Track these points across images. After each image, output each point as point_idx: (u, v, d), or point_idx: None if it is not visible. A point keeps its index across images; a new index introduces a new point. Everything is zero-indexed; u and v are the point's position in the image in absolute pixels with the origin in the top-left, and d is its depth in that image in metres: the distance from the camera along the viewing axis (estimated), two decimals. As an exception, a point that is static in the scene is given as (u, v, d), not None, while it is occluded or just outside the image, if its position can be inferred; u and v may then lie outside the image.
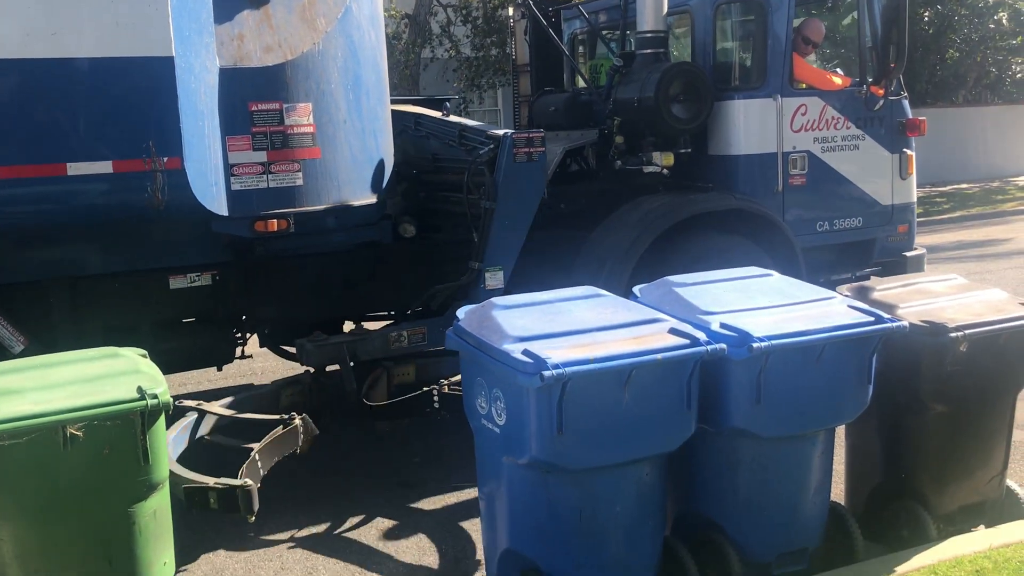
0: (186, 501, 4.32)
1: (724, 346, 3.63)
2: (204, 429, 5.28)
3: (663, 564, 3.90)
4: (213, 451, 5.23)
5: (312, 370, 6.12)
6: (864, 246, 7.14)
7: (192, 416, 5.19)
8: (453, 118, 7.02)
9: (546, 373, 3.30)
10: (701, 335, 3.65)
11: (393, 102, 6.65)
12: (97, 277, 5.31)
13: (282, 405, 5.78)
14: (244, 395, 5.77)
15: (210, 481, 4.33)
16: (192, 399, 5.43)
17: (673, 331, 3.70)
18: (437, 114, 7.19)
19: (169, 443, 4.28)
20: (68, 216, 4.83)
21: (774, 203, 6.62)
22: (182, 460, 4.77)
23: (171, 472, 4.08)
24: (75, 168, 4.65)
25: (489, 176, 5.92)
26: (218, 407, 5.08)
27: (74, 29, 4.57)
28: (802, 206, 6.79)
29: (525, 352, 3.48)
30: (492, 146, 5.97)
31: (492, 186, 5.87)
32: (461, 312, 4.12)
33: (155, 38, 4.73)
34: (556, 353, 3.44)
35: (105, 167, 4.71)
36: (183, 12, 4.85)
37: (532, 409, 3.47)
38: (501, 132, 6.06)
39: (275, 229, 5.42)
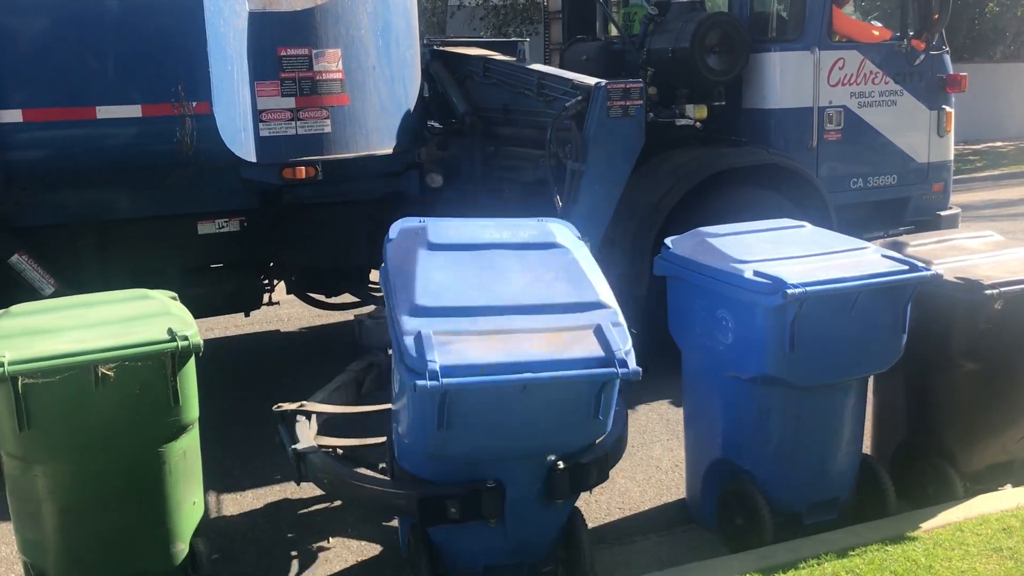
0: None
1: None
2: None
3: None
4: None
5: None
6: (898, 204, 7.03)
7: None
8: (532, 65, 6.40)
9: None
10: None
11: (457, 44, 6.54)
12: (126, 221, 5.33)
13: (364, 391, 5.05)
14: (330, 391, 4.79)
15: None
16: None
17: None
18: (509, 60, 6.66)
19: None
20: (97, 160, 4.84)
21: (808, 159, 6.51)
22: None
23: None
24: (104, 111, 4.65)
25: (577, 133, 5.40)
26: (319, 407, 4.62)
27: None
28: (836, 162, 6.68)
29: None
30: (580, 97, 5.42)
31: (581, 144, 5.34)
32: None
33: None
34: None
35: (134, 111, 4.71)
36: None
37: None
38: (592, 82, 5.48)
39: (303, 176, 5.41)
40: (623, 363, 3.15)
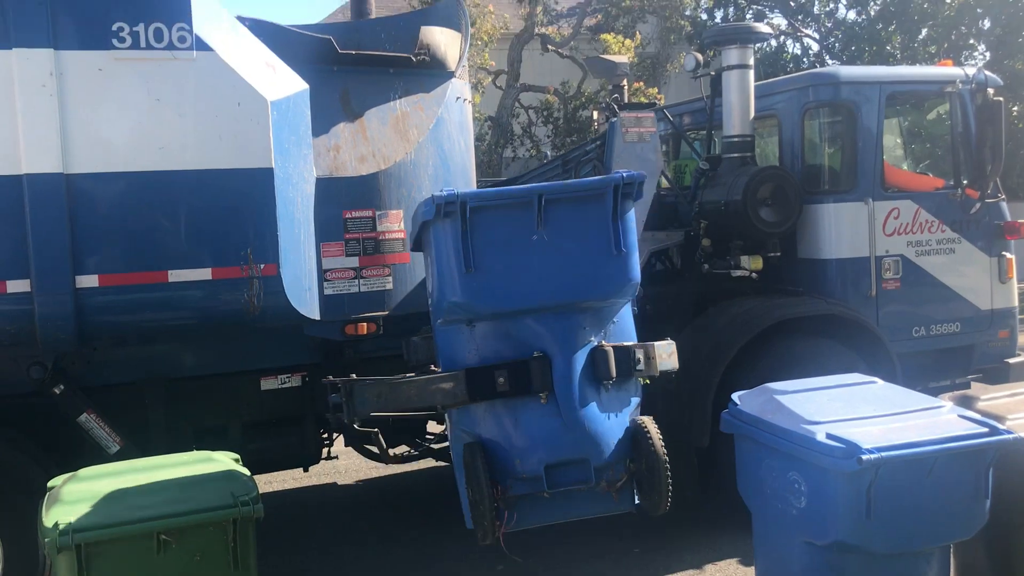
0: None
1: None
2: None
3: None
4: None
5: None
6: (963, 352, 6.89)
7: None
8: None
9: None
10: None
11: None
12: (191, 379, 5.43)
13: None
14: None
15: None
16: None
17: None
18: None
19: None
20: (167, 321, 4.96)
21: (868, 308, 6.46)
22: None
23: None
24: (176, 275, 4.80)
25: (600, 165, 5.77)
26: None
27: (180, 143, 4.78)
28: (897, 311, 6.61)
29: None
30: (599, 143, 5.87)
31: (604, 170, 5.66)
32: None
33: (256, 150, 4.91)
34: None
35: (204, 274, 4.85)
36: (283, 125, 5.04)
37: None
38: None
39: (365, 332, 5.49)
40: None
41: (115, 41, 4.64)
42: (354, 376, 4.40)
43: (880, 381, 4.38)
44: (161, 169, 4.74)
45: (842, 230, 6.51)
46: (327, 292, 5.41)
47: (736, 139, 6.69)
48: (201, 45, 4.75)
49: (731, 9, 23.24)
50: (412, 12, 8.34)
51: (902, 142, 7.74)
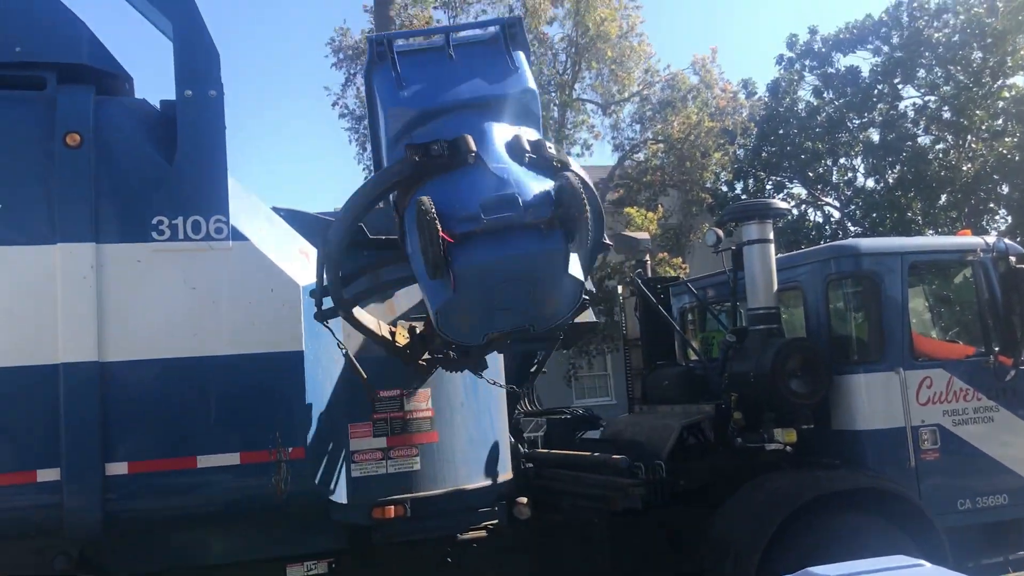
0: None
1: None
2: None
3: None
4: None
5: None
6: (1015, 526, 6.61)
7: None
8: None
9: None
10: None
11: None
12: (216, 567, 5.32)
13: None
14: None
15: None
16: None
17: None
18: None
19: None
20: (194, 507, 4.93)
21: (908, 480, 6.28)
22: None
23: None
24: (205, 461, 4.80)
25: None
26: None
27: (214, 329, 4.89)
28: (939, 483, 6.41)
29: None
30: None
31: None
32: None
33: (287, 334, 5.00)
34: None
35: (233, 459, 4.85)
36: (313, 308, 5.14)
37: None
38: None
39: (392, 516, 5.40)
40: None
41: (154, 234, 4.84)
42: None
43: (928, 564, 4.20)
44: (194, 356, 4.83)
45: (875, 400, 6.42)
46: (355, 474, 5.36)
47: (761, 311, 6.72)
48: (237, 235, 4.94)
49: (751, 181, 23.89)
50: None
51: (929, 310, 7.74)
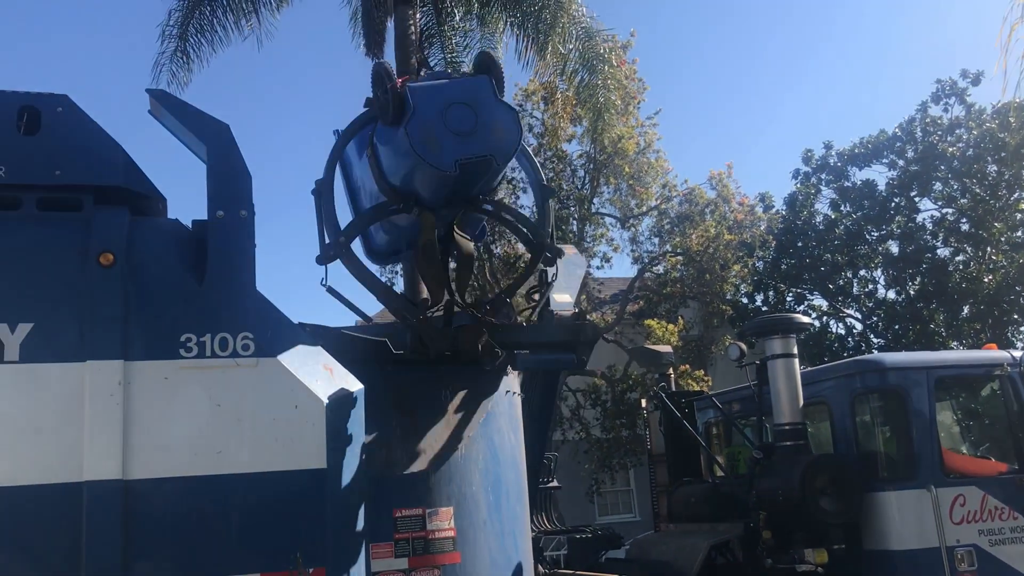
0: None
1: None
2: None
3: None
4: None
5: None
6: (1058, 653, 6.35)
7: None
8: None
9: None
10: None
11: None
12: None
13: None
14: None
15: None
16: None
17: None
18: None
19: None
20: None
21: (946, 603, 6.08)
22: None
23: None
24: (224, 584, 4.71)
25: None
26: None
27: (237, 446, 4.86)
28: (979, 607, 6.20)
29: None
30: None
31: None
32: None
33: (310, 451, 4.97)
34: None
35: (252, 582, 4.76)
36: (336, 425, 5.13)
37: None
38: None
39: (417, 641, 5.25)
40: None
41: (182, 351, 4.88)
42: None
43: None
44: (217, 473, 4.80)
45: (907, 519, 6.28)
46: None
47: (787, 427, 6.65)
48: (263, 352, 4.98)
49: (771, 292, 23.93)
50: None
51: (958, 424, 7.63)
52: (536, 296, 6.29)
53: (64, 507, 4.55)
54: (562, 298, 6.28)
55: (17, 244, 4.89)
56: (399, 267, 19.65)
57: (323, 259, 5.53)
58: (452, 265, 6.16)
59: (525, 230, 6.21)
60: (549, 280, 6.09)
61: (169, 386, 4.83)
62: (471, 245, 5.94)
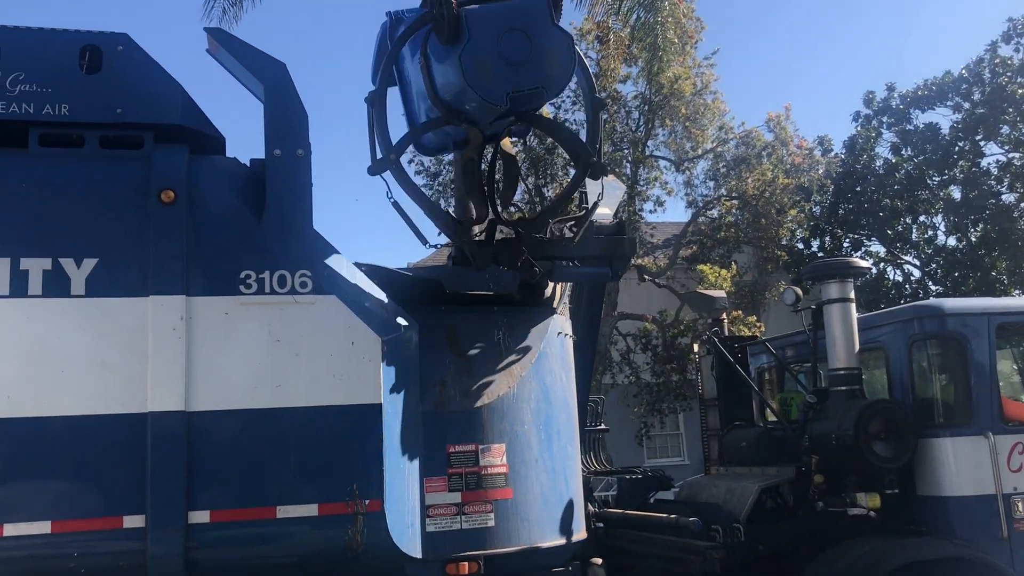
0: None
1: None
2: None
3: None
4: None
5: None
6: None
7: None
8: None
9: None
10: None
11: None
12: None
13: None
14: None
15: None
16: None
17: None
18: None
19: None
20: (271, 557, 4.98)
21: (1000, 551, 6.02)
22: None
23: None
24: (284, 511, 4.85)
25: None
26: None
27: (296, 381, 4.98)
28: (1035, 555, 6.13)
29: None
30: None
31: None
32: None
33: (367, 387, 5.07)
34: None
35: (311, 510, 4.90)
36: (392, 362, 5.22)
37: None
38: None
39: (466, 572, 5.37)
40: None
41: (242, 287, 4.98)
42: None
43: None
44: (276, 407, 4.92)
45: (962, 466, 6.21)
46: (429, 529, 5.35)
47: (843, 372, 6.59)
48: (320, 290, 5.06)
49: (827, 238, 23.55)
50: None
51: (1019, 373, 7.48)
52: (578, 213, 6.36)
53: (129, 437, 4.71)
54: (603, 211, 6.29)
55: (81, 181, 5.00)
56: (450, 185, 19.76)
57: (374, 170, 5.55)
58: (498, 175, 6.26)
59: (573, 144, 6.20)
60: (593, 200, 6.11)
61: (229, 321, 4.94)
62: (515, 158, 6.06)
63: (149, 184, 5.00)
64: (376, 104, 5.61)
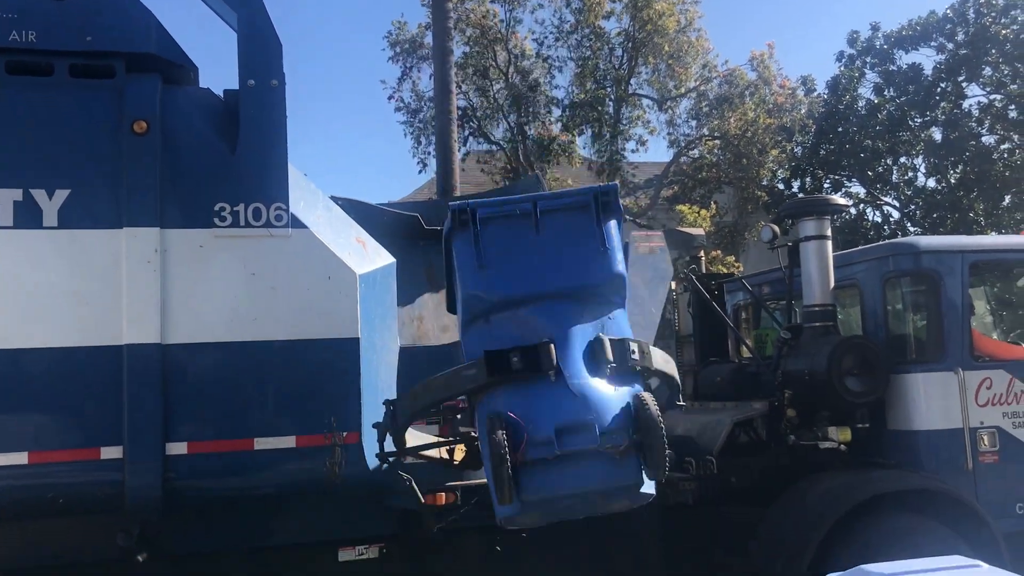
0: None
1: None
2: None
3: None
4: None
5: None
6: (1077, 532, 6.46)
7: None
8: None
9: None
10: None
11: None
12: (271, 548, 5.42)
13: None
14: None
15: None
16: None
17: None
18: None
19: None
20: (250, 489, 5.03)
21: (965, 482, 6.17)
22: None
23: None
24: (261, 443, 4.89)
25: None
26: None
27: (272, 314, 4.98)
28: (997, 486, 6.29)
29: None
30: None
31: None
32: None
33: (343, 321, 5.08)
34: None
35: (288, 442, 4.94)
36: (370, 297, 5.22)
37: None
38: None
39: (443, 503, 5.45)
40: None
41: (216, 220, 4.94)
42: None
43: (985, 566, 4.13)
44: (253, 340, 4.93)
45: (932, 401, 6.32)
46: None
47: (817, 309, 6.65)
48: (296, 223, 5.03)
49: (808, 179, 23.55)
50: (495, 189, 8.70)
51: (991, 311, 7.59)
52: None
53: (105, 369, 4.71)
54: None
55: (51, 111, 4.91)
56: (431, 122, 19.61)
57: (384, 458, 5.14)
58: None
59: None
60: None
61: (204, 254, 4.91)
62: None
63: (121, 114, 4.92)
64: (399, 424, 5.07)
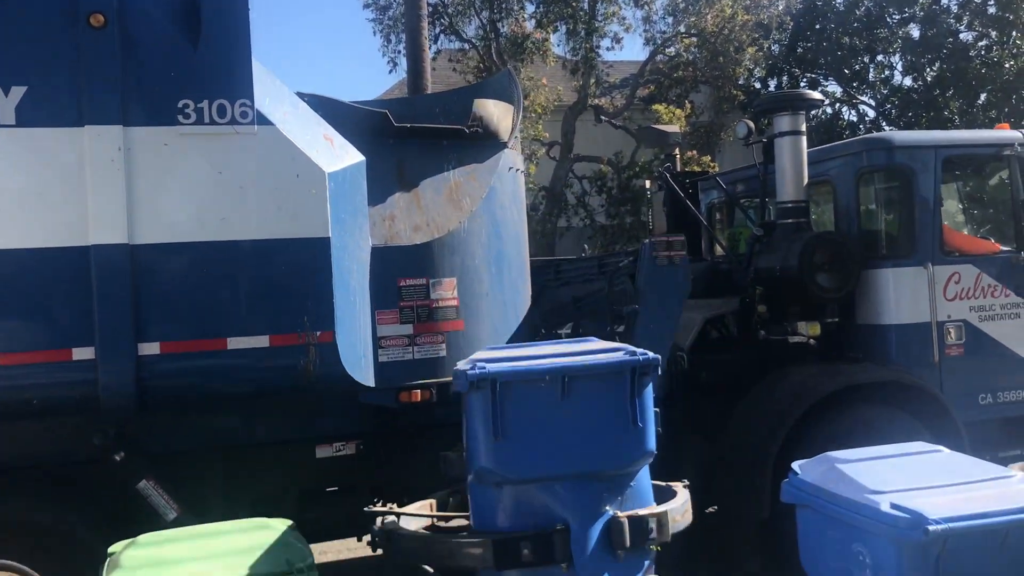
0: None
1: None
2: None
3: None
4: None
5: None
6: (1034, 420, 6.66)
7: None
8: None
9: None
10: None
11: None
12: (248, 446, 5.48)
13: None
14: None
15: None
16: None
17: None
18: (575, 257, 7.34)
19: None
20: (225, 388, 5.04)
21: (931, 375, 6.31)
22: None
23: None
24: (235, 343, 4.88)
25: (631, 285, 5.93)
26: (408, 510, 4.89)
27: (240, 214, 4.90)
28: (962, 378, 6.44)
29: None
30: (633, 258, 6.02)
31: (635, 292, 5.84)
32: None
33: (313, 220, 5.01)
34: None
35: (262, 341, 4.93)
36: (340, 196, 5.15)
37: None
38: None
39: (419, 399, 5.51)
40: None
41: (180, 117, 4.82)
42: (394, 508, 4.87)
43: (946, 450, 4.26)
44: (222, 240, 4.87)
45: (901, 295, 6.40)
46: (382, 359, 5.46)
47: (790, 205, 6.66)
48: (262, 120, 4.91)
49: (784, 78, 23.34)
50: (466, 87, 8.53)
51: (962, 206, 7.63)
52: None
53: (73, 270, 4.65)
54: None
55: (3, 4, 4.71)
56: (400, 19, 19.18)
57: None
58: None
59: None
60: None
61: (170, 153, 4.81)
62: None
63: (77, 7, 4.73)
64: None
